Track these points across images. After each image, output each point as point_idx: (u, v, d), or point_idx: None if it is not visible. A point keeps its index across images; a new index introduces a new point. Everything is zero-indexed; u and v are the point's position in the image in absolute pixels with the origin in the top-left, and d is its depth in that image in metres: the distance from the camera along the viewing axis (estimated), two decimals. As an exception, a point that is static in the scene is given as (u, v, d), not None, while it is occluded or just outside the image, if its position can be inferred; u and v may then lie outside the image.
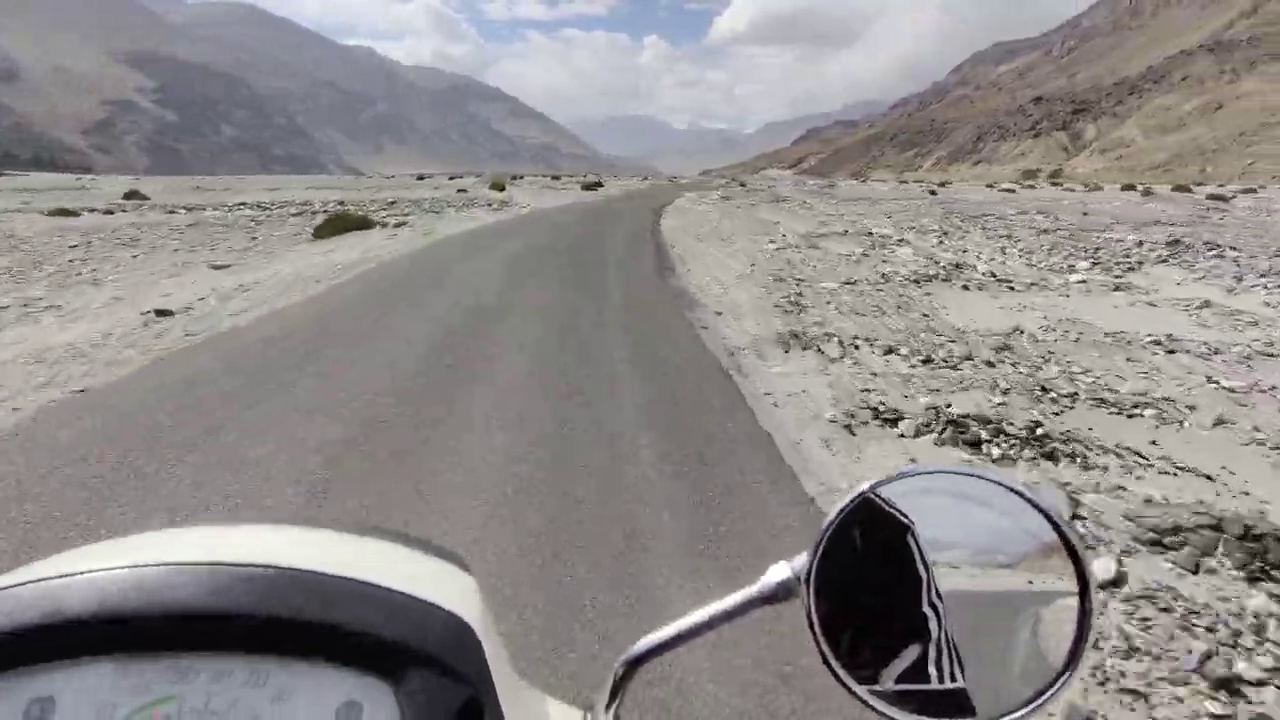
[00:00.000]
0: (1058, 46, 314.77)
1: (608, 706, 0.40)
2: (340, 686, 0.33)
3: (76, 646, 0.31)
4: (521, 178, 59.72)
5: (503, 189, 31.05)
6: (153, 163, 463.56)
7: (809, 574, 0.38)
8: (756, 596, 0.39)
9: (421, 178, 70.43)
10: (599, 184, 43.08)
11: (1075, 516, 2.61)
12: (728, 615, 0.39)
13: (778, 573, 0.39)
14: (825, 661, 0.37)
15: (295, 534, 0.41)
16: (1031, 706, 0.37)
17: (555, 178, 67.06)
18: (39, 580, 0.33)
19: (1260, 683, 1.76)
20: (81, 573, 0.33)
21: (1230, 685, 1.74)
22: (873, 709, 0.36)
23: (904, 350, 5.09)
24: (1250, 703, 1.72)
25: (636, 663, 0.39)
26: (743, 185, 44.25)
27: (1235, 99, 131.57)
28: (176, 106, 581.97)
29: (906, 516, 0.39)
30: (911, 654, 0.37)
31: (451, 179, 56.50)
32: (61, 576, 0.33)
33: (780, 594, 0.38)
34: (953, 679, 0.37)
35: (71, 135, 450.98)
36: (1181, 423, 3.78)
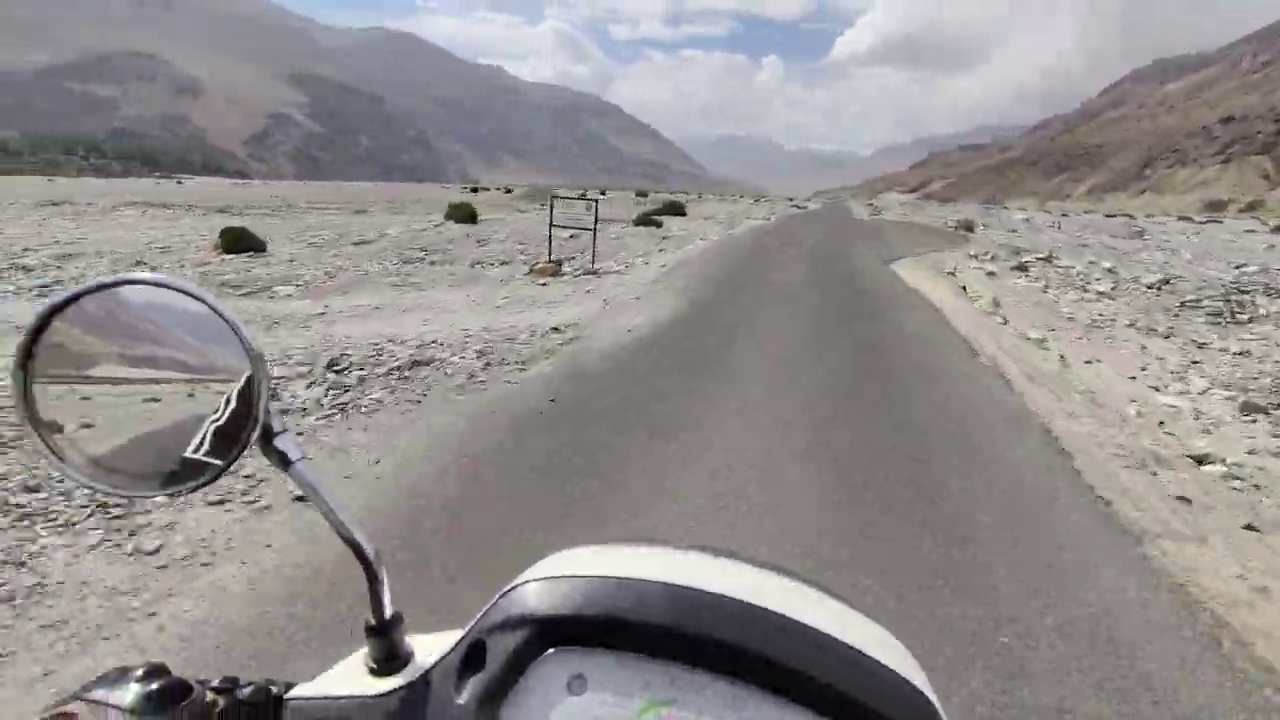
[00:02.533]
0: (1248, 60, 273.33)
1: None
2: None
3: (606, 639, 0.37)
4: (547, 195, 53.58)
5: (473, 218, 19.80)
6: (298, 170, 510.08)
7: None
8: None
9: (509, 190, 65.36)
10: (672, 209, 29.32)
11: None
12: None
13: None
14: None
15: (770, 578, 0.43)
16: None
17: (602, 192, 58.56)
18: (588, 576, 0.39)
19: None
20: (615, 577, 0.39)
21: None
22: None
23: None
24: None
25: None
26: (968, 230, 26.61)
27: None
28: (322, 120, 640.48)
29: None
30: None
31: (509, 192, 51.05)
32: (602, 578, 0.39)
33: None
34: None
35: (234, 145, 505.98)
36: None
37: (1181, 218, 65.10)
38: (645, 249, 14.96)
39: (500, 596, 0.41)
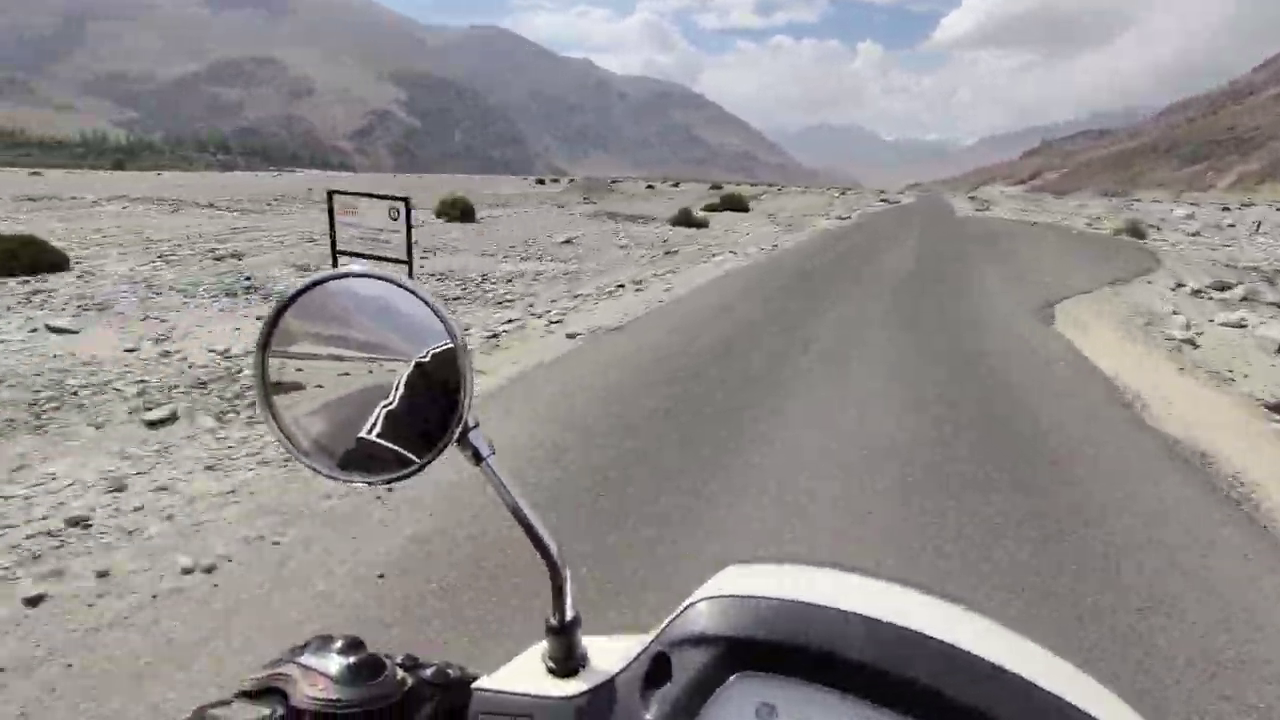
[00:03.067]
0: None
1: None
2: None
3: (804, 669, 0.36)
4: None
5: (468, 215, 16.50)
6: (397, 163, 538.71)
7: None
8: None
9: (541, 182, 63.93)
10: (732, 203, 24.33)
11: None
12: None
13: None
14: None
15: (977, 620, 0.41)
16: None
17: (650, 187, 53.31)
18: (781, 600, 0.38)
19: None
20: (811, 603, 0.37)
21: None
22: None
23: None
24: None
25: None
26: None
27: None
28: (420, 115, 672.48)
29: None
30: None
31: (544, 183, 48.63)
32: (797, 603, 0.38)
33: None
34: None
35: (340, 140, 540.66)
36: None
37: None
38: (631, 277, 9.36)
39: (685, 608, 0.40)
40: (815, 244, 14.68)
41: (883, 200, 49.42)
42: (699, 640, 0.37)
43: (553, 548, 0.44)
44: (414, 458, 0.42)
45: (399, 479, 0.43)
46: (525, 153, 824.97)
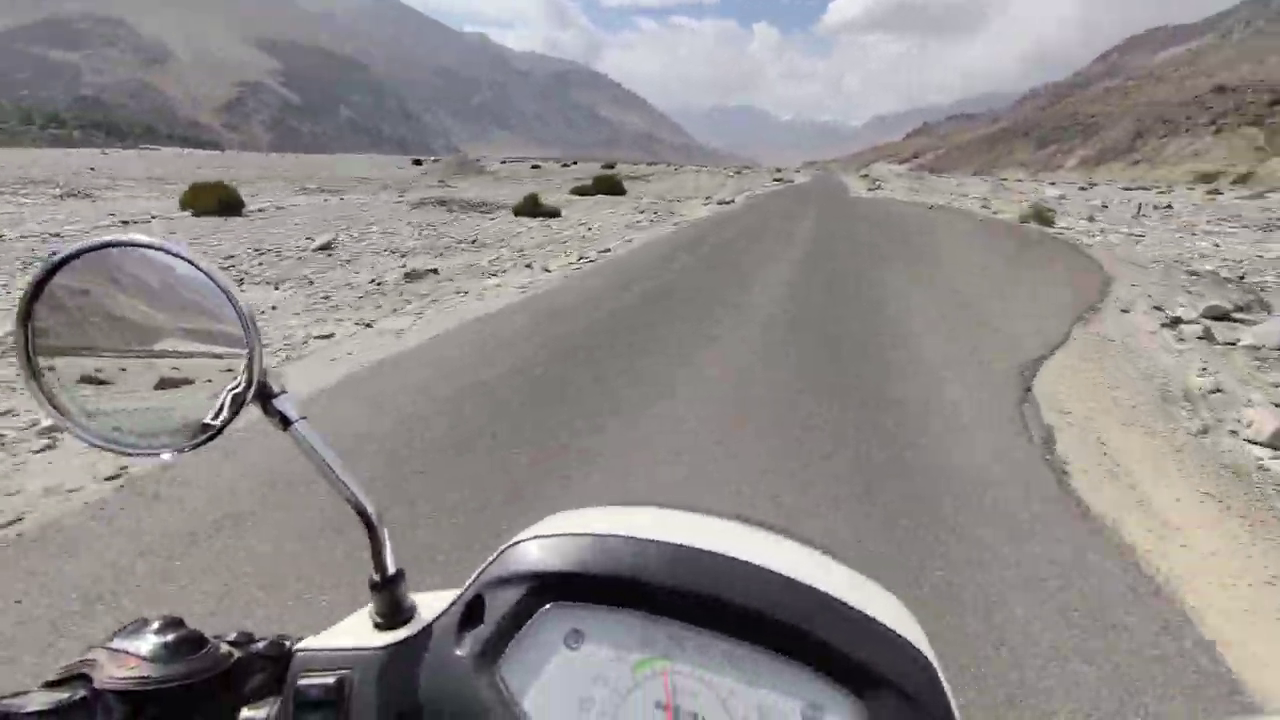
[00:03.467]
0: (1239, 29, 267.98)
1: None
2: (806, 687, 0.36)
3: (608, 596, 0.38)
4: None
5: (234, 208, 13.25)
6: (275, 141, 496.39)
7: None
8: None
9: (418, 162, 61.42)
10: (606, 186, 21.23)
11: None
12: None
13: None
14: None
15: (767, 536, 0.44)
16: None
17: (535, 167, 51.50)
18: (584, 534, 0.40)
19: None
20: (612, 535, 0.40)
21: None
22: None
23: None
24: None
25: None
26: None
27: None
28: (300, 89, 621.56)
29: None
30: None
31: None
32: (599, 535, 0.40)
33: None
34: None
35: (205, 114, 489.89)
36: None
37: (1211, 191, 61.14)
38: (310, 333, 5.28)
39: (500, 553, 0.42)
40: (672, 244, 10.48)
41: (777, 180, 46.73)
42: (511, 579, 0.39)
43: (369, 507, 0.44)
44: (208, 423, 0.42)
45: (191, 448, 0.42)
46: (422, 131, 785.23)
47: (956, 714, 0.36)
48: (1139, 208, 22.93)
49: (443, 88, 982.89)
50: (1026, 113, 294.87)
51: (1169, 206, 25.24)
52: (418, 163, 57.76)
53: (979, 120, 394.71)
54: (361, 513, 0.44)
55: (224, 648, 0.40)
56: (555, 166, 55.54)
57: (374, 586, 0.44)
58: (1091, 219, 17.78)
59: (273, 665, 0.42)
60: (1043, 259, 10.01)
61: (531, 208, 12.96)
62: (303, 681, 0.40)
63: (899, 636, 0.38)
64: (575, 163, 69.08)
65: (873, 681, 0.36)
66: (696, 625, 0.37)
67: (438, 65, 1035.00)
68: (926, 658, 0.38)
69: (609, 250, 9.40)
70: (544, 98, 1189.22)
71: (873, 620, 0.38)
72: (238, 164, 44.59)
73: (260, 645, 0.42)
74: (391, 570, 0.44)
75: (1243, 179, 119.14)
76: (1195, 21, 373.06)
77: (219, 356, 0.43)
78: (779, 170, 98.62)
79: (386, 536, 0.45)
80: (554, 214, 13.47)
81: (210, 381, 0.43)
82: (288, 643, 0.43)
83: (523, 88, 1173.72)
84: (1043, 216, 15.32)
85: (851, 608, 0.38)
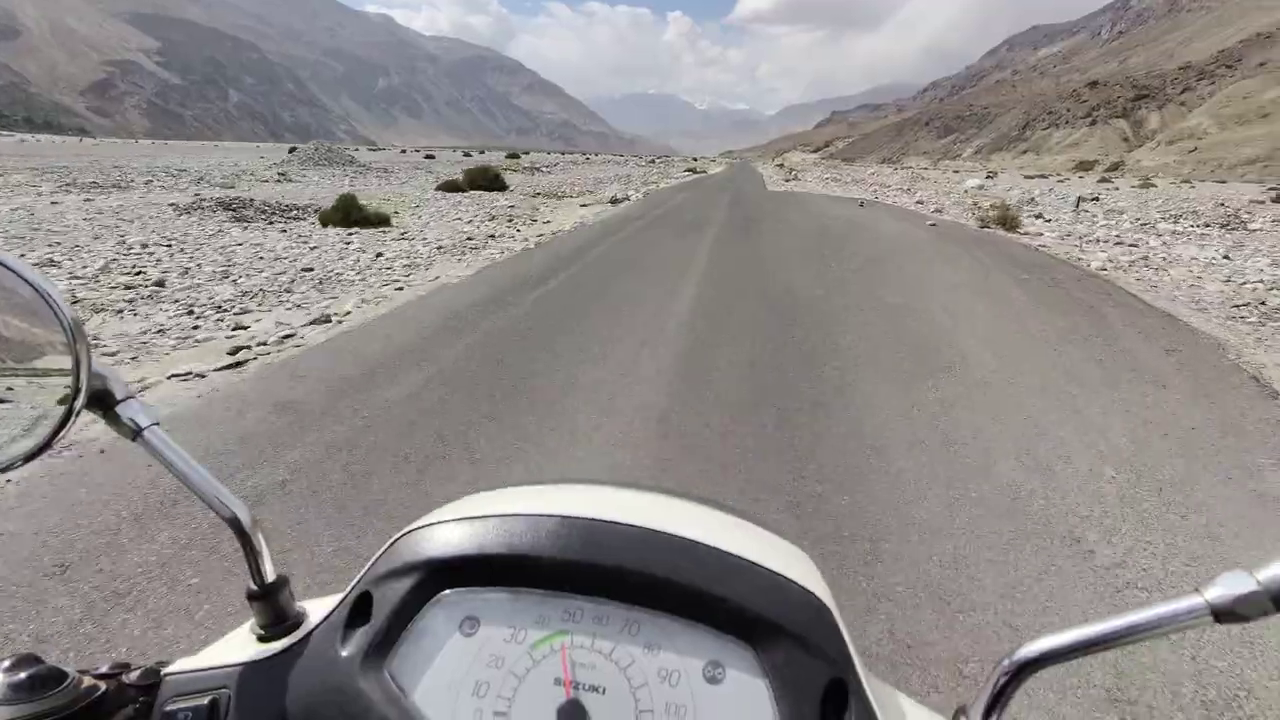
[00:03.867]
0: (1106, 29, 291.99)
1: (987, 716, 0.35)
2: (705, 645, 0.36)
3: (498, 578, 0.37)
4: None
5: None
6: (153, 127, 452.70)
7: None
8: (1202, 609, 0.31)
9: (294, 150, 56.14)
10: (485, 180, 17.03)
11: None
12: (1155, 626, 0.32)
13: (1235, 583, 0.30)
14: None
15: (658, 499, 0.43)
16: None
17: (429, 157, 47.48)
18: (475, 518, 0.39)
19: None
20: (502, 515, 0.39)
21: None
22: None
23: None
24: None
25: (1026, 669, 0.34)
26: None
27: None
28: (181, 70, 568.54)
29: None
30: None
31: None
32: (489, 517, 0.39)
33: (1240, 610, 0.30)
34: None
35: (68, 96, 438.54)
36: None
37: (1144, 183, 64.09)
38: None
39: (389, 545, 0.40)
40: (495, 289, 5.86)
41: (689, 170, 42.63)
42: (400, 571, 0.38)
43: (241, 513, 0.42)
44: (41, 437, 0.38)
45: (20, 462, 0.38)
46: (324, 117, 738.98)
47: (851, 649, 0.37)
48: (1077, 202, 17.90)
49: (346, 72, 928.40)
50: (927, 104, 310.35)
51: (1096, 199, 21.07)
52: (293, 150, 52.35)
53: (885, 110, 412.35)
54: (231, 520, 0.41)
55: (87, 682, 0.37)
56: (456, 155, 51.59)
57: (253, 597, 0.41)
58: (1041, 217, 13.80)
59: (146, 694, 0.39)
60: (1076, 306, 5.48)
61: (343, 215, 9.41)
62: (170, 707, 0.38)
63: (791, 583, 0.38)
64: (483, 151, 65.19)
65: (768, 630, 0.36)
66: (594, 597, 0.37)
67: (338, 47, 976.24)
68: (820, 599, 0.37)
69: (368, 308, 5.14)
70: (456, 84, 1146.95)
71: (765, 571, 0.38)
72: (38, 152, 36.72)
73: (133, 675, 0.39)
74: (271, 577, 0.42)
75: (1114, 168, 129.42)
76: (1068, 21, 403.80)
77: (40, 367, 0.39)
78: (694, 160, 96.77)
79: (263, 542, 0.42)
80: (381, 221, 9.65)
81: (37, 391, 0.39)
82: (162, 669, 0.40)
83: (433, 73, 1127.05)
84: (1008, 220, 11.30)
85: (745, 561, 0.38)
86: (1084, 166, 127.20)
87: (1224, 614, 0.30)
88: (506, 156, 47.06)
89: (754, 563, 0.38)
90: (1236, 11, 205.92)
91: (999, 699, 0.35)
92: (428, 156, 48.47)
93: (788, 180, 29.82)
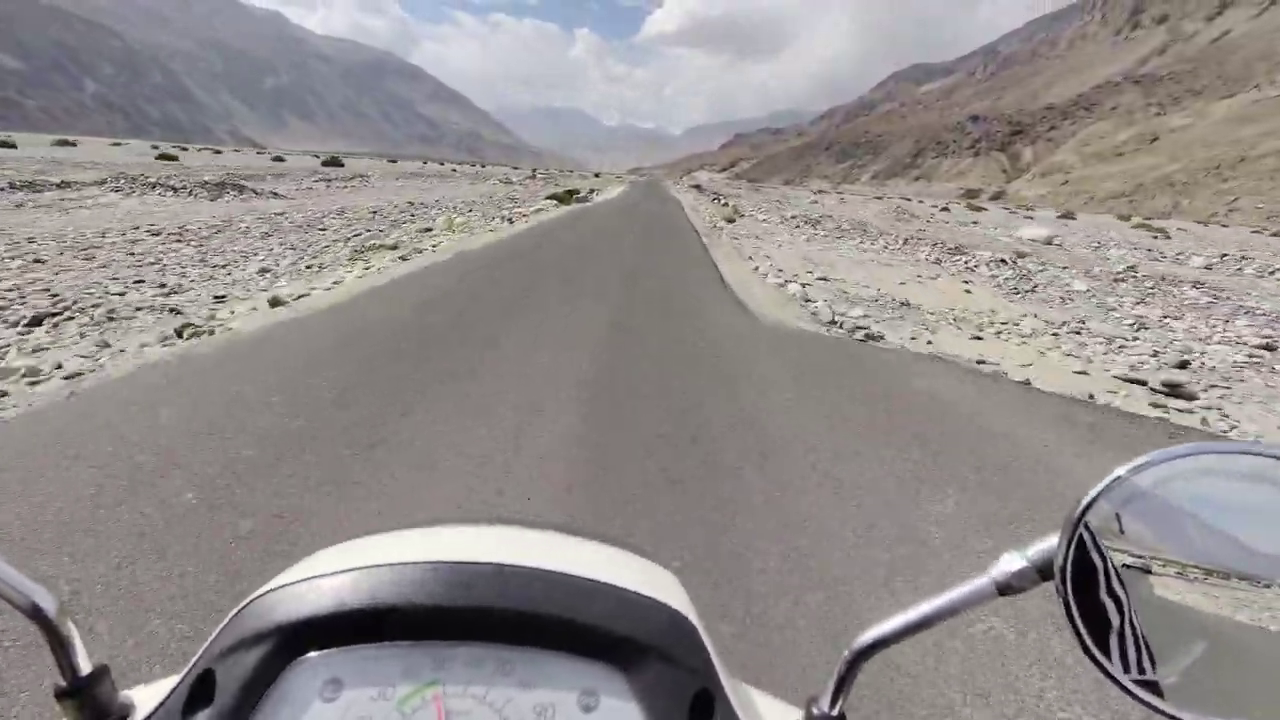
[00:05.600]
0: (980, 70, 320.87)
1: (833, 702, 0.39)
2: (577, 675, 0.36)
3: (356, 634, 0.35)
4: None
5: None
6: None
7: (1064, 565, 0.34)
8: (989, 586, 0.36)
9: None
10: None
11: None
12: (957, 606, 0.37)
13: (1011, 562, 0.36)
14: (1089, 653, 0.34)
15: (520, 534, 0.43)
16: None
17: (278, 159, 40.45)
18: (327, 575, 0.37)
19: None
20: (357, 569, 0.37)
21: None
22: (1143, 701, 0.33)
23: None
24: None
25: (862, 655, 0.38)
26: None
27: (1170, 131, 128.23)
28: (23, 54, 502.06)
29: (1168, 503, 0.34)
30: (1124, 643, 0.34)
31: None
32: (343, 572, 0.37)
33: (1015, 584, 0.36)
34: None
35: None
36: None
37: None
38: None
39: (231, 617, 0.37)
40: None
41: (591, 191, 31.67)
42: (249, 641, 0.35)
43: (40, 600, 0.36)
44: None
45: None
46: (200, 114, 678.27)
47: (715, 659, 0.37)
48: (1014, 261, 11.91)
49: (225, 67, 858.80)
50: (825, 130, 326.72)
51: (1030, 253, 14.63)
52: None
53: (785, 134, 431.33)
54: (30, 610, 0.36)
55: None
56: (310, 161, 44.39)
57: (63, 695, 0.36)
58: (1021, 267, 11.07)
59: None
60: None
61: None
62: None
63: (655, 603, 0.38)
64: (351, 161, 58.26)
65: (636, 652, 0.36)
66: (462, 641, 0.36)
67: (218, 39, 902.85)
68: (683, 616, 0.38)
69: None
70: (354, 88, 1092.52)
71: (629, 593, 0.38)
72: None
73: None
74: (86, 670, 0.36)
75: (996, 196, 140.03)
76: (944, 61, 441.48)
77: None
78: (595, 175, 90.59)
79: (74, 631, 0.36)
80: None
81: None
82: None
83: (327, 75, 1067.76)
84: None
85: (610, 586, 0.38)
86: (970, 194, 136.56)
87: (1005, 588, 0.36)
88: (389, 163, 41.09)
89: (618, 587, 0.38)
90: (1085, 61, 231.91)
91: (842, 685, 0.38)
92: (276, 159, 41.40)
93: (726, 220, 18.01)
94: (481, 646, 0.36)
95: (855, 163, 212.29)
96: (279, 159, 45.43)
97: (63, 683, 0.36)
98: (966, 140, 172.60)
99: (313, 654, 0.35)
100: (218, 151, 45.29)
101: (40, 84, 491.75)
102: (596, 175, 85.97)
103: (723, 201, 29.79)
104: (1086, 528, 0.34)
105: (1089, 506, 0.34)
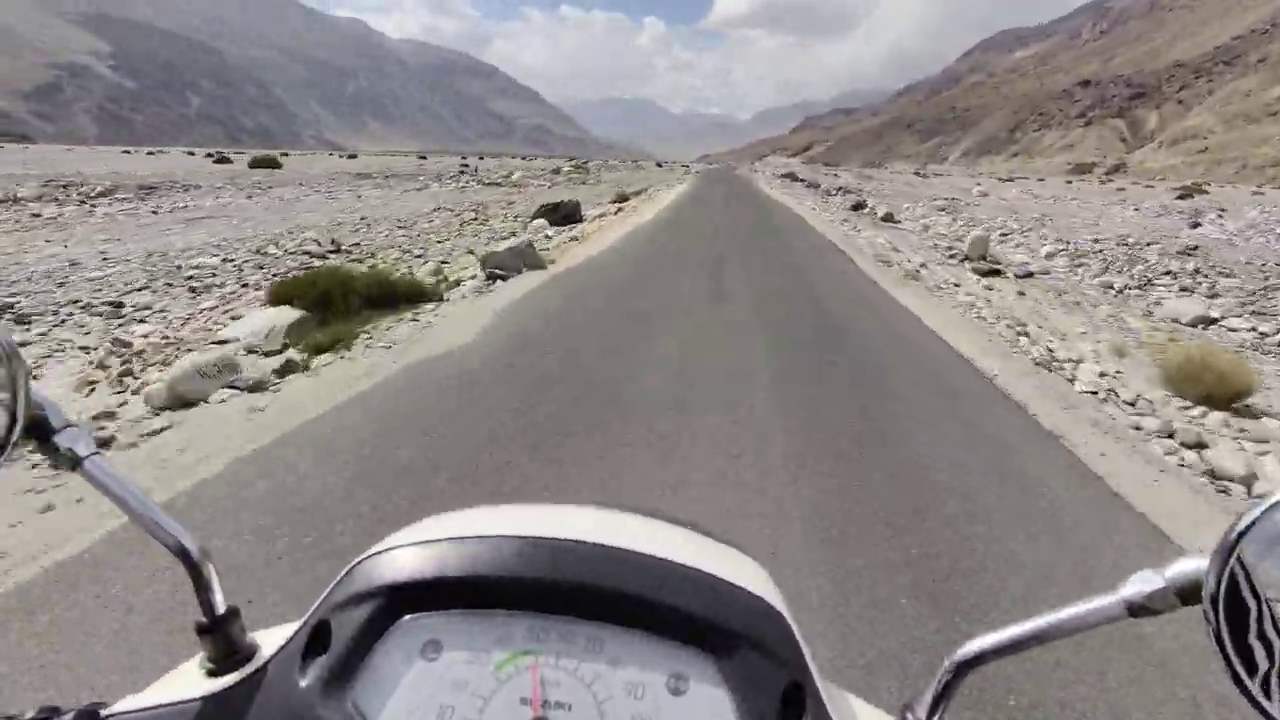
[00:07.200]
0: (1087, 30, 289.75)
1: (931, 713, 0.37)
2: (668, 658, 0.37)
3: (464, 600, 0.37)
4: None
5: None
6: (102, 133, 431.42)
7: (1215, 591, 0.31)
8: (1118, 606, 0.33)
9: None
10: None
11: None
12: (1078, 625, 0.34)
13: (1147, 582, 0.33)
14: (1242, 687, 0.30)
15: (617, 517, 0.44)
16: None
17: (351, 157, 37.05)
18: (433, 541, 0.39)
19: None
20: (462, 538, 0.39)
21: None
22: None
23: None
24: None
25: (966, 666, 0.36)
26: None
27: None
28: (135, 73, 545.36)
29: None
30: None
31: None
32: (449, 540, 0.39)
33: (1150, 606, 0.33)
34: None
35: (8, 99, 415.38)
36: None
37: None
38: None
39: (346, 572, 0.40)
40: None
41: (639, 193, 22.39)
42: (359, 598, 0.38)
43: (189, 544, 0.40)
44: None
45: None
46: (289, 122, 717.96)
47: (807, 654, 0.37)
48: None
49: (311, 76, 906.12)
50: (906, 107, 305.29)
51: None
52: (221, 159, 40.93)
53: (859, 114, 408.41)
54: (178, 550, 0.40)
55: None
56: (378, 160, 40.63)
57: (202, 630, 0.40)
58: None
59: None
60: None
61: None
62: None
63: (749, 593, 0.38)
64: (425, 157, 54.46)
65: (728, 640, 0.36)
66: (557, 615, 0.37)
67: (304, 51, 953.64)
68: (776, 610, 0.38)
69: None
70: (428, 89, 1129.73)
71: (723, 581, 0.38)
72: None
73: (67, 717, 0.36)
74: (221, 609, 0.40)
75: (1114, 170, 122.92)
76: (1037, 25, 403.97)
77: None
78: (659, 164, 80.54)
79: (213, 572, 0.41)
80: None
81: None
82: (103, 710, 0.38)
83: (403, 77, 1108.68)
84: None
85: (703, 573, 0.39)
86: (1081, 169, 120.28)
87: (1138, 609, 0.33)
88: (461, 160, 36.29)
89: (711, 574, 0.39)
90: (1220, 8, 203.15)
91: (943, 696, 0.37)
92: (349, 157, 37.45)
93: (907, 276, 8.11)
94: (574, 622, 0.37)
95: (943, 140, 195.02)
96: (352, 156, 41.43)
97: (203, 619, 0.40)
98: (1075, 109, 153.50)
99: (416, 615, 0.37)
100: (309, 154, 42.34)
101: (151, 101, 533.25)
102: (659, 165, 79.88)
103: (858, 203, 18.03)
104: (1238, 557, 0.31)
105: (1246, 531, 0.31)
